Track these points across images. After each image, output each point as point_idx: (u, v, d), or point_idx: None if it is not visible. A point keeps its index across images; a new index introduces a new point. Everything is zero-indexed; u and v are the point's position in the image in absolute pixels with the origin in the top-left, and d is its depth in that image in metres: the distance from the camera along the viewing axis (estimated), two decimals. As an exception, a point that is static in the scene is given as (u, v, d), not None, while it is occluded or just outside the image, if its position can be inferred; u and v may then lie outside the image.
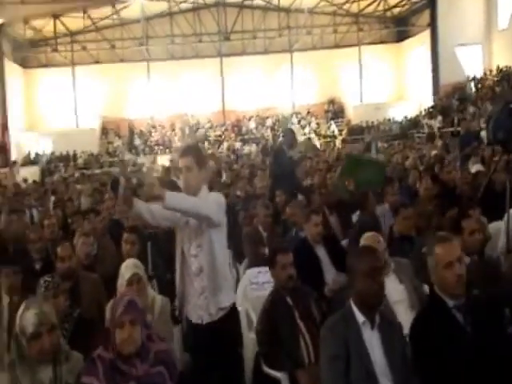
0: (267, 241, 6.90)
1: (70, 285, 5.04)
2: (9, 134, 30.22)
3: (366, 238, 4.74)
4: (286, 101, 35.79)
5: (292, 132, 10.93)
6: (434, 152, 13.87)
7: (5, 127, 29.92)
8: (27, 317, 3.24)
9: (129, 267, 4.29)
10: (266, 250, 6.65)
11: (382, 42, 36.56)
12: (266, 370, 4.34)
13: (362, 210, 7.77)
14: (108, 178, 17.26)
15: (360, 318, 3.40)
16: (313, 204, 8.45)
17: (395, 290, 4.53)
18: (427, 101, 31.35)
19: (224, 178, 14.68)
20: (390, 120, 31.66)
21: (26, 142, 32.29)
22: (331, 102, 35.77)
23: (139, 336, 3.25)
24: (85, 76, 34.66)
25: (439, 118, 26.21)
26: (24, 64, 34.48)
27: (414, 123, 28.75)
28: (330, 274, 5.83)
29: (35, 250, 6.50)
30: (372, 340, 3.36)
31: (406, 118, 30.48)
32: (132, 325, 3.22)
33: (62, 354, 3.32)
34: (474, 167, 9.57)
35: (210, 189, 11.48)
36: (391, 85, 36.38)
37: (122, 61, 35.05)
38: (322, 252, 6.03)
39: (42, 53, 34.72)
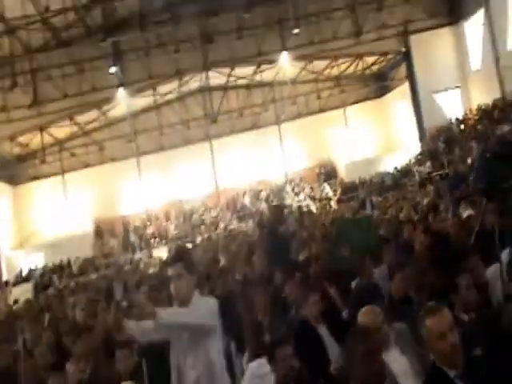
0: (268, 328, 6.77)
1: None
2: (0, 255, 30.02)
3: (363, 314, 4.62)
4: (278, 171, 36.07)
5: (279, 208, 10.90)
6: (426, 200, 13.74)
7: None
8: None
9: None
10: (268, 338, 6.55)
11: (364, 100, 37.34)
12: None
13: (360, 276, 7.65)
14: (105, 283, 17.06)
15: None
16: (310, 279, 8.35)
17: (398, 362, 4.36)
18: (415, 149, 31.76)
19: (222, 262, 14.56)
20: (381, 173, 31.83)
21: (17, 259, 31.69)
22: (322, 164, 36.07)
23: None
24: (75, 182, 34.72)
25: (428, 163, 26.35)
26: (12, 181, 34.35)
27: (405, 172, 28.92)
28: (335, 351, 5.67)
29: (27, 382, 6.28)
30: None
31: (396, 168, 30.67)
32: None
33: None
34: (465, 212, 9.49)
35: (208, 277, 11.36)
36: (379, 139, 36.89)
37: (112, 160, 35.28)
38: (323, 330, 5.91)
39: (31, 167, 34.78)
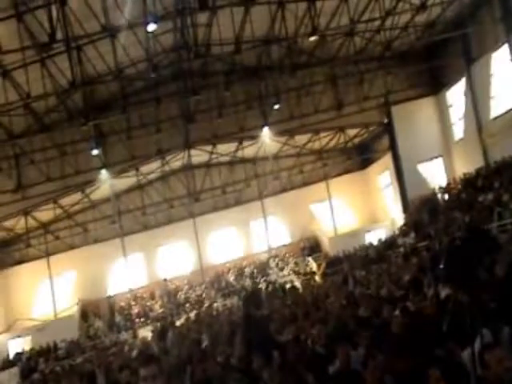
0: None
1: None
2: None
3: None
4: (262, 246, 36.16)
5: (256, 292, 10.83)
6: (406, 277, 13.35)
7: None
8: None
9: None
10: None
11: (347, 172, 37.47)
12: None
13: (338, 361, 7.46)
14: (88, 368, 16.69)
15: None
16: (288, 364, 8.15)
17: None
18: (400, 220, 31.79)
19: (205, 343, 14.26)
20: (365, 245, 31.58)
21: (3, 344, 31.54)
22: (306, 238, 35.89)
23: None
24: (60, 264, 34.58)
25: (412, 234, 26.19)
26: (-3, 267, 34.31)
27: (389, 244, 28.65)
28: None
29: None
30: None
31: (380, 240, 30.44)
32: None
33: None
34: (444, 291, 9.29)
35: (190, 359, 11.03)
36: (363, 211, 36.87)
37: (95, 241, 35.31)
38: None
39: (16, 251, 34.84)
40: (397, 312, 8.80)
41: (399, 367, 5.95)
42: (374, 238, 32.12)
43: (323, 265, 31.29)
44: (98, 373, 12.77)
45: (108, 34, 22.18)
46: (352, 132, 34.66)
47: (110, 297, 34.22)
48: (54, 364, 26.35)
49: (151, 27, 18.64)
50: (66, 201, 32.37)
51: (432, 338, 6.56)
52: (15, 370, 27.45)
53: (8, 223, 31.98)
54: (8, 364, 29.21)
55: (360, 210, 36.87)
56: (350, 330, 8.92)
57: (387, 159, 33.39)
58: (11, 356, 30.39)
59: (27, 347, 30.90)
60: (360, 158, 37.41)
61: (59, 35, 18.86)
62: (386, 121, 32.36)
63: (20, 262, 34.85)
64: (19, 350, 30.61)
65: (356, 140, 35.75)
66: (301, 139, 33.93)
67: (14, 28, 19.26)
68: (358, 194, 36.76)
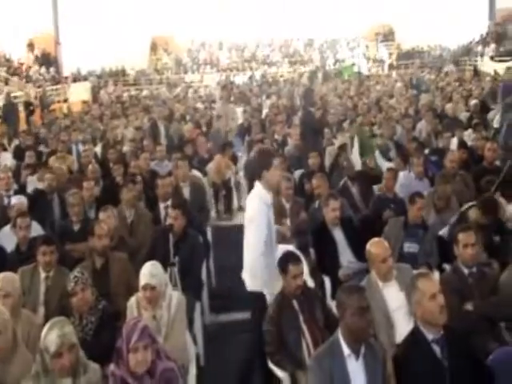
0: (290, 212, 7.19)
1: (101, 263, 5.55)
2: (61, 49, 30.51)
3: (372, 244, 4.94)
4: (332, 21, 33.91)
5: (311, 91, 11.27)
6: (474, 102, 12.93)
7: (57, 42, 30.15)
8: (50, 337, 3.60)
9: (145, 274, 4.56)
10: (288, 222, 6.96)
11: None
12: (271, 366, 4.66)
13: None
14: (155, 104, 17.84)
15: (346, 350, 3.63)
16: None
17: (395, 297, 4.74)
18: (481, 26, 29.58)
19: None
20: (440, 45, 30.33)
21: (76, 55, 32.29)
22: (382, 25, 33.98)
23: (150, 358, 3.64)
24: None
25: (492, 45, 24.88)
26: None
27: (466, 50, 27.49)
28: (346, 256, 6.11)
29: (74, 213, 6.93)
30: (356, 371, 3.61)
31: (458, 46, 29.10)
32: (145, 349, 3.61)
33: (80, 367, 3.70)
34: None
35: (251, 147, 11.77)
36: (444, 7, 33.16)
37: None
38: (339, 235, 6.27)
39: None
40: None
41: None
42: (449, 39, 30.32)
43: (394, 55, 30.49)
44: (159, 123, 13.71)
45: None
46: None
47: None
48: (122, 89, 27.65)
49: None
50: None
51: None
52: (87, 85, 28.75)
53: None
54: (80, 78, 30.44)
55: (441, 4, 32.44)
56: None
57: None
58: (83, 71, 31.36)
59: (98, 65, 31.84)
60: None
61: None
62: None
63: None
64: (90, 68, 31.51)
65: None
66: None
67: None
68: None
